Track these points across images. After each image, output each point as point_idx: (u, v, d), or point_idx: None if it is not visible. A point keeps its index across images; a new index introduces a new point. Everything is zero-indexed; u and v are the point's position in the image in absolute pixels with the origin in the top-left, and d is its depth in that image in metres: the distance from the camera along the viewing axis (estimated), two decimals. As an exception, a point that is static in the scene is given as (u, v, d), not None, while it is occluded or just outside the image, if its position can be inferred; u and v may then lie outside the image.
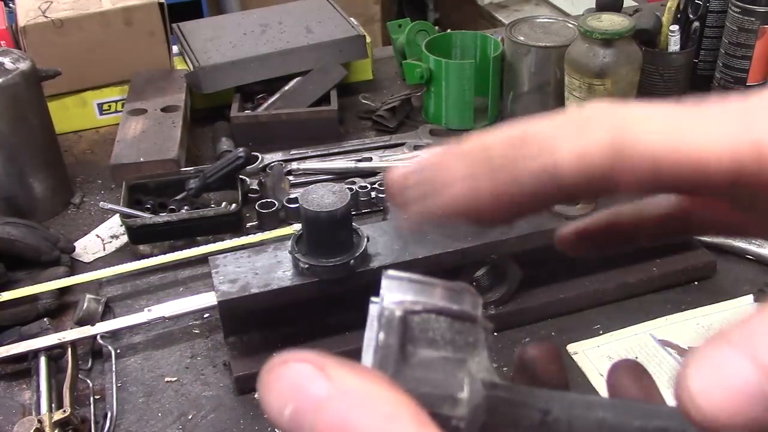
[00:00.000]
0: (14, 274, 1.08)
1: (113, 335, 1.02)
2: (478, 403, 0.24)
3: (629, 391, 0.30)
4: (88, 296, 1.04)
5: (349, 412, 0.20)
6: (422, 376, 0.24)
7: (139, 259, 1.13)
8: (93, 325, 0.99)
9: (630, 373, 0.30)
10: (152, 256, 1.13)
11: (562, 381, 0.31)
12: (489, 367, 0.26)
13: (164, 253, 1.14)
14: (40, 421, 0.85)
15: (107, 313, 1.06)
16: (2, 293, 1.03)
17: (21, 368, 0.97)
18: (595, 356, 0.97)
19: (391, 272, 0.25)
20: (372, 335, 0.25)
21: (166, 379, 0.97)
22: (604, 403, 0.26)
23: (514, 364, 0.31)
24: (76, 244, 1.18)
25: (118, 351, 1.01)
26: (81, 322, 1.01)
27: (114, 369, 0.98)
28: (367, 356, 0.25)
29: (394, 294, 0.25)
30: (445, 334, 0.25)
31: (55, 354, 0.95)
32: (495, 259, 1.00)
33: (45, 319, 1.02)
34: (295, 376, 0.21)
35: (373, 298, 0.27)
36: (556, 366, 0.31)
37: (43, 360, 0.94)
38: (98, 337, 1.00)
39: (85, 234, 1.23)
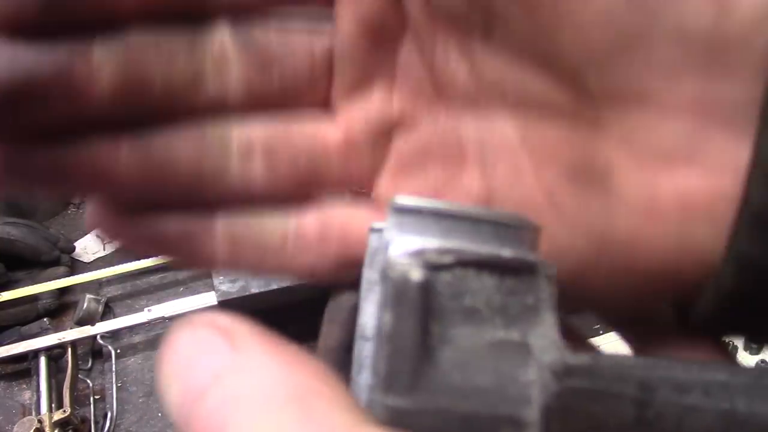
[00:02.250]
0: (14, 274, 1.08)
1: (113, 335, 1.02)
2: (549, 403, 0.16)
3: None
4: (88, 296, 1.03)
5: (232, 404, 0.16)
6: (460, 383, 0.15)
7: (139, 259, 1.13)
8: (93, 325, 0.99)
9: None
10: (152, 256, 1.13)
11: None
12: (556, 340, 0.18)
13: (164, 253, 1.14)
14: (40, 421, 0.85)
15: (107, 313, 1.06)
16: (2, 293, 1.03)
17: (21, 368, 0.97)
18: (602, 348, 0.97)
19: (401, 200, 0.17)
20: (369, 307, 0.19)
21: (166, 379, 0.97)
22: (732, 385, 0.19)
23: None
24: (76, 244, 1.18)
25: (118, 351, 1.01)
26: (81, 322, 1.01)
27: (114, 369, 0.98)
28: (362, 345, 0.18)
29: (409, 237, 0.17)
30: (493, 297, 0.17)
31: (55, 354, 0.95)
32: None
33: (45, 319, 1.02)
34: (191, 347, 0.17)
35: (374, 224, 0.20)
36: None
37: (43, 360, 0.94)
38: (98, 337, 1.00)
39: (85, 234, 1.23)
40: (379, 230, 0.21)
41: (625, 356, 0.20)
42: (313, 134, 0.28)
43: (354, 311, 0.26)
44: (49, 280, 1.07)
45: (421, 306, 0.15)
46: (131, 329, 1.02)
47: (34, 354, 0.95)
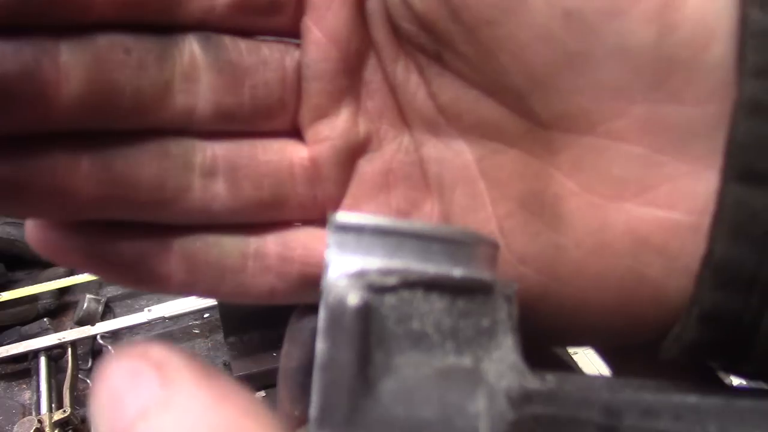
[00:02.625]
0: (14, 274, 1.08)
1: (113, 335, 1.02)
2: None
3: None
4: (88, 296, 1.03)
5: None
6: (402, 417, 0.14)
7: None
8: (93, 325, 0.99)
9: None
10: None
11: None
12: (515, 363, 0.17)
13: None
14: (40, 421, 0.85)
15: (107, 313, 1.06)
16: (2, 293, 1.03)
17: (21, 368, 0.97)
18: (595, 356, 0.97)
19: (342, 217, 0.16)
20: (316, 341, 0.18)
21: (166, 379, 0.97)
22: (703, 408, 0.18)
23: None
24: (76, 244, 1.18)
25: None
26: (81, 322, 1.01)
27: (114, 369, 0.98)
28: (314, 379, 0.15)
29: (348, 257, 0.15)
30: (443, 320, 0.15)
31: (55, 354, 0.95)
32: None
33: (45, 319, 1.02)
34: (122, 380, 0.17)
35: (327, 253, 0.20)
36: None
37: (43, 360, 0.94)
38: (98, 337, 1.00)
39: (85, 234, 1.23)
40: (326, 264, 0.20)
41: (593, 377, 0.19)
42: (280, 156, 0.27)
43: (314, 333, 0.25)
44: (49, 280, 1.07)
45: (359, 333, 0.14)
46: (131, 329, 1.02)
47: (34, 354, 0.95)
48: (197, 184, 0.25)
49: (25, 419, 0.86)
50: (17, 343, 0.96)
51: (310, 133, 0.27)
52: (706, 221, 0.23)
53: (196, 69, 0.24)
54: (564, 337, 0.29)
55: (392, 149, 0.28)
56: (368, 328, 0.14)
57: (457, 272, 0.16)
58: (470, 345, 0.16)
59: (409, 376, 0.14)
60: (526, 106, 0.25)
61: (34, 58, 0.21)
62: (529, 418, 0.16)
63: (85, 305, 1.02)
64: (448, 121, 0.28)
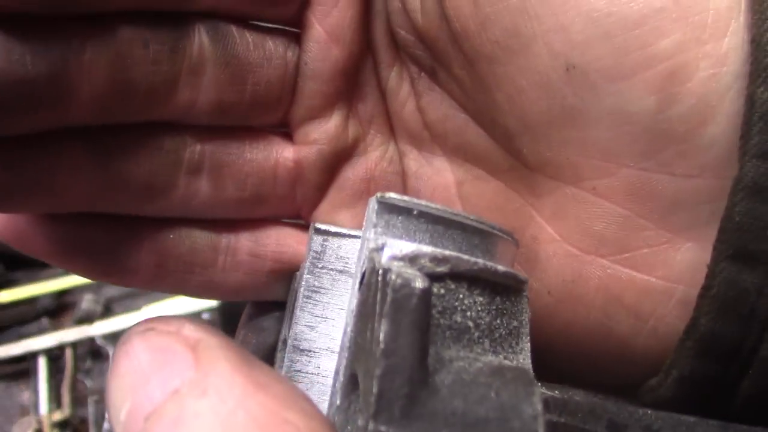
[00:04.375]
0: (14, 274, 1.08)
1: (113, 335, 1.01)
2: None
3: None
4: (88, 296, 1.03)
5: (187, 425, 0.14)
6: (461, 413, 0.13)
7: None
8: (92, 325, 0.99)
9: None
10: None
11: None
12: (530, 368, 0.16)
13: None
14: (39, 422, 0.85)
15: (107, 313, 1.06)
16: (1, 293, 1.03)
17: (20, 368, 0.96)
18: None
19: (391, 197, 0.16)
20: (305, 317, 0.16)
21: (166, 379, 0.97)
22: (708, 428, 0.18)
23: None
24: (75, 244, 1.17)
25: (118, 351, 1.01)
26: (80, 323, 1.00)
27: (113, 369, 0.98)
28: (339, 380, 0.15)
29: (401, 241, 0.15)
30: (482, 317, 0.15)
31: (54, 354, 0.95)
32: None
33: (44, 320, 1.02)
34: (151, 357, 0.15)
35: (318, 225, 0.19)
36: None
37: (42, 360, 0.94)
38: (97, 337, 1.00)
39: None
40: (325, 232, 0.19)
41: (593, 394, 0.19)
42: (265, 155, 0.26)
43: (273, 320, 0.25)
44: (49, 280, 1.07)
45: (423, 319, 0.13)
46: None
47: (33, 354, 0.95)
48: (182, 181, 0.25)
49: (24, 420, 0.86)
50: (16, 344, 0.95)
51: (299, 133, 0.27)
52: (680, 289, 0.23)
53: (204, 62, 0.24)
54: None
55: (377, 156, 0.28)
56: (430, 316, 0.13)
57: (500, 267, 0.15)
58: (503, 345, 0.15)
59: (464, 370, 0.14)
60: (514, 146, 0.25)
61: (62, 56, 0.21)
62: (548, 425, 0.16)
63: (85, 305, 1.02)
64: (433, 139, 0.27)
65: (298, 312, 0.20)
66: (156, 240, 0.26)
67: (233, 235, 0.27)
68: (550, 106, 0.23)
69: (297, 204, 0.27)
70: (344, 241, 0.22)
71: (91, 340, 1.01)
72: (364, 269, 0.15)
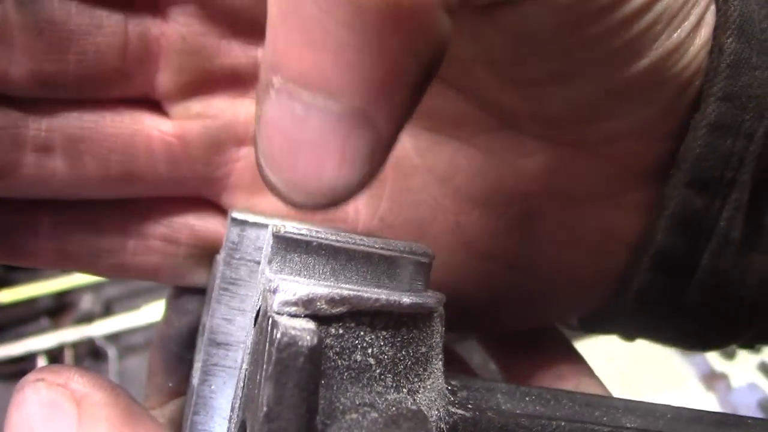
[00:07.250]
0: (13, 274, 1.08)
1: (113, 336, 1.01)
2: None
3: None
4: (88, 296, 1.03)
5: None
6: None
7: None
8: (92, 325, 0.99)
9: None
10: None
11: None
12: (442, 387, 0.16)
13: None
14: (38, 422, 0.84)
15: (107, 313, 1.06)
16: (2, 293, 1.03)
17: (20, 369, 0.96)
18: (591, 355, 0.96)
19: (287, 229, 0.15)
20: (221, 309, 0.17)
21: (166, 379, 0.97)
22: (661, 410, 0.20)
23: None
24: (76, 243, 1.17)
25: (118, 351, 1.00)
26: (80, 322, 1.00)
27: (113, 370, 0.97)
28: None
29: (295, 281, 0.14)
30: (385, 351, 0.14)
31: (54, 354, 0.95)
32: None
33: (44, 319, 1.02)
34: (38, 410, 0.16)
35: (235, 214, 0.19)
36: None
37: (42, 360, 0.94)
38: (97, 337, 0.99)
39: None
40: (243, 222, 0.19)
41: (511, 394, 0.19)
42: (132, 129, 0.24)
43: (197, 302, 0.24)
44: (49, 280, 1.06)
45: (310, 378, 0.12)
46: (131, 329, 1.02)
47: (33, 354, 0.94)
48: (29, 160, 0.23)
49: (23, 420, 0.86)
50: (16, 344, 0.95)
51: (176, 110, 0.25)
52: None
53: (10, 29, 0.22)
54: (527, 322, 0.32)
55: None
56: (319, 371, 0.12)
57: (406, 300, 0.14)
58: (408, 377, 0.14)
59: (357, 424, 0.13)
60: (499, 104, 0.26)
61: None
62: None
63: (84, 305, 1.02)
64: None
65: (214, 305, 0.20)
66: (55, 224, 0.25)
67: (143, 218, 0.25)
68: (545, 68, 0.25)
69: (195, 184, 0.25)
70: (263, 232, 0.21)
71: (90, 340, 1.01)
72: (258, 306, 0.14)
